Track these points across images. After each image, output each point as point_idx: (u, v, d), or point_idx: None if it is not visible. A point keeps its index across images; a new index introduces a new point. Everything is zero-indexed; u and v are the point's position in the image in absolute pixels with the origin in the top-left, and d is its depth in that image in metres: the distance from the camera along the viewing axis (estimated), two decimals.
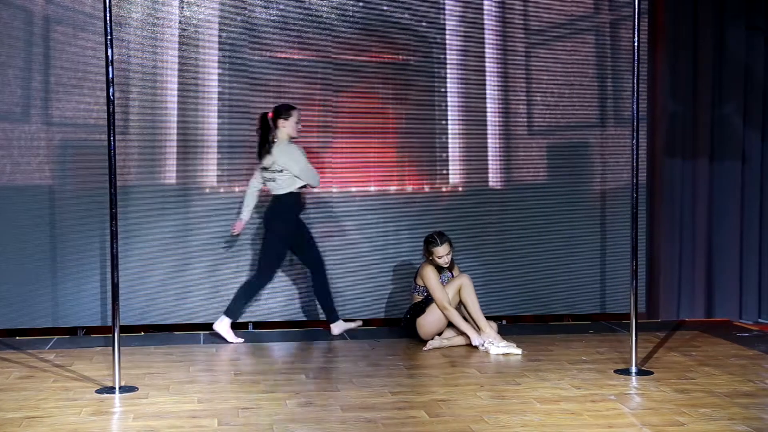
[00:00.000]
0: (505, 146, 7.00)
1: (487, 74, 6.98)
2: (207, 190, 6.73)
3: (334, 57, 6.83)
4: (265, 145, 6.30)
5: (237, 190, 6.74)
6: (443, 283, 6.17)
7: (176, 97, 6.65)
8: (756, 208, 7.29)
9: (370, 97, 6.92)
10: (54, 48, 6.48)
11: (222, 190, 6.75)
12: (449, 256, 6.18)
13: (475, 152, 6.98)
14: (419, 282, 6.23)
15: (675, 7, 7.10)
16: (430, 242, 6.20)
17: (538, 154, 6.99)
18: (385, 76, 6.91)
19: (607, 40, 7.04)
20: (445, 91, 6.97)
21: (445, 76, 6.97)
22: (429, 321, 6.14)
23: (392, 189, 6.94)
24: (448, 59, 6.95)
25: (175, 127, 6.66)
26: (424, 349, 6.06)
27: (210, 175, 6.72)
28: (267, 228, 6.39)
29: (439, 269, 6.22)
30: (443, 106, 6.97)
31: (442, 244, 6.15)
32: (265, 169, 6.32)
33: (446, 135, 6.96)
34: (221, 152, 6.73)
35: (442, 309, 6.09)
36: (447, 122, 6.96)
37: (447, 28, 6.96)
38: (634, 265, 5.44)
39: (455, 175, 6.95)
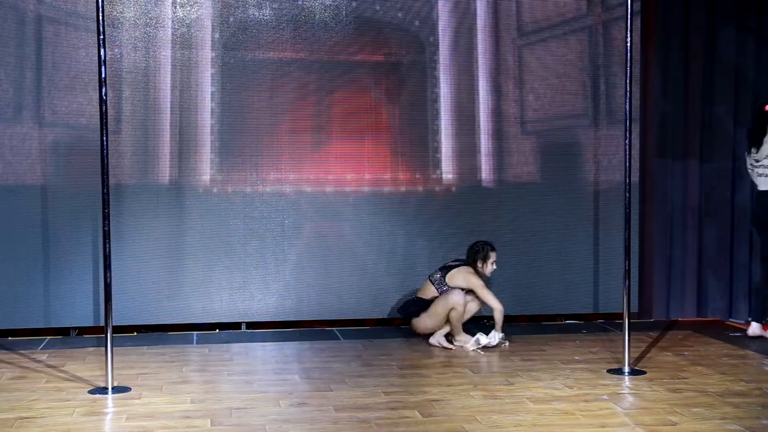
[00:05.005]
0: (497, 145, 7.00)
1: (480, 74, 6.99)
2: (200, 190, 6.71)
3: (327, 57, 6.81)
4: (761, 136, 6.26)
5: (230, 190, 6.73)
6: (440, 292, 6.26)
7: (169, 97, 6.63)
8: (746, 208, 7.30)
9: (363, 96, 6.90)
10: (46, 47, 6.46)
11: (215, 190, 6.74)
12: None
13: (468, 152, 6.99)
14: (453, 283, 6.24)
15: (666, 8, 7.11)
16: (487, 247, 6.34)
17: (531, 153, 6.99)
18: (378, 75, 6.90)
19: (599, 40, 7.05)
20: (438, 90, 6.97)
21: (438, 75, 6.97)
22: (428, 325, 6.24)
23: (386, 189, 6.92)
24: (440, 59, 6.94)
25: (168, 127, 6.64)
26: (431, 341, 6.17)
27: (203, 175, 6.71)
28: (761, 226, 6.40)
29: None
30: (436, 105, 6.97)
31: (494, 249, 6.36)
32: (757, 161, 6.32)
33: (439, 134, 6.97)
34: (214, 152, 6.72)
35: (496, 306, 6.19)
36: (440, 122, 6.96)
37: (440, 28, 6.96)
38: (626, 265, 5.45)
39: (448, 174, 6.94)
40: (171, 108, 6.64)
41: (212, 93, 6.69)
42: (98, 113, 5.02)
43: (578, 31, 7.06)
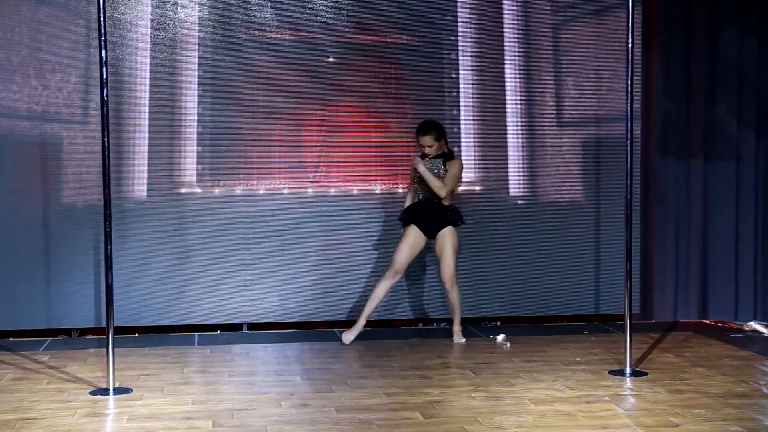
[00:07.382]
0: (528, 141, 6.60)
1: (506, 57, 6.47)
2: (201, 191, 6.71)
3: (335, 37, 6.46)
4: None
5: (231, 191, 6.72)
6: (437, 173, 5.97)
7: (169, 97, 6.60)
8: (751, 209, 7.29)
9: (371, 83, 6.53)
10: None
11: (216, 192, 6.73)
12: (432, 148, 5.93)
13: (492, 148, 6.52)
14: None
15: (668, 7, 7.11)
16: (420, 126, 5.95)
17: (569, 148, 6.65)
18: (388, 59, 6.55)
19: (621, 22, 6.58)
20: (457, 76, 6.52)
21: (457, 58, 6.48)
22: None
23: (389, 190, 6.79)
24: (460, 39, 6.45)
25: (169, 128, 6.62)
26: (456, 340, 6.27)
27: (204, 176, 6.70)
28: None
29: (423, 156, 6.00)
30: (454, 92, 6.58)
31: (426, 133, 5.88)
32: None
33: (458, 126, 6.56)
34: (215, 153, 6.71)
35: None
36: (459, 111, 6.58)
37: (458, 4, 6.39)
38: (628, 266, 5.45)
39: (469, 173, 6.58)
40: (171, 108, 6.62)
41: (212, 94, 6.68)
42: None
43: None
